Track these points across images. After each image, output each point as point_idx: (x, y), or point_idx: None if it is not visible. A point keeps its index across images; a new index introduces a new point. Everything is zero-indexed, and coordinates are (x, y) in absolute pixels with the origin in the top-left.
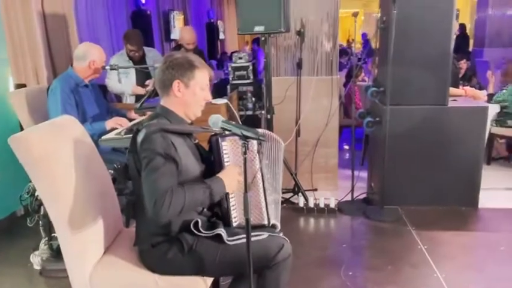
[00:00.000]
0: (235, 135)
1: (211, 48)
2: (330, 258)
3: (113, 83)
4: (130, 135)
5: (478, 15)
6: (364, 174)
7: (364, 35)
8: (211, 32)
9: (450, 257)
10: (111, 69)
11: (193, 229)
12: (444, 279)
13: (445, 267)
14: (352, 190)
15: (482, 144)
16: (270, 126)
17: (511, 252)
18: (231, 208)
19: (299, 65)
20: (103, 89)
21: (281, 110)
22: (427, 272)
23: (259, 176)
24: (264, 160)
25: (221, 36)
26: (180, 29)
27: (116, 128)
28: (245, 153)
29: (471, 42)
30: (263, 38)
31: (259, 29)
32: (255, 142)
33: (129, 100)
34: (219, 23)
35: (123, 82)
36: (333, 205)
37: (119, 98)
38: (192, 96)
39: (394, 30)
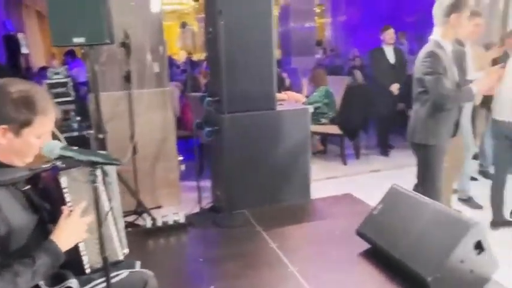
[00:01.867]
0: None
1: (12, 64)
2: (190, 276)
3: None
4: None
5: (281, 27)
6: (205, 183)
7: None
8: (10, 46)
9: (298, 249)
10: None
11: None
12: (298, 272)
13: (296, 260)
14: (200, 201)
15: (308, 141)
16: (102, 146)
17: (344, 235)
18: (82, 254)
19: (127, 78)
20: None
21: (113, 128)
22: (283, 269)
23: (107, 207)
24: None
25: (24, 50)
26: None
27: None
28: (94, 181)
29: (278, 52)
30: (83, 51)
31: (79, 40)
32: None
33: None
34: (20, 35)
35: None
36: (182, 220)
37: None
38: (22, 145)
39: (223, 40)
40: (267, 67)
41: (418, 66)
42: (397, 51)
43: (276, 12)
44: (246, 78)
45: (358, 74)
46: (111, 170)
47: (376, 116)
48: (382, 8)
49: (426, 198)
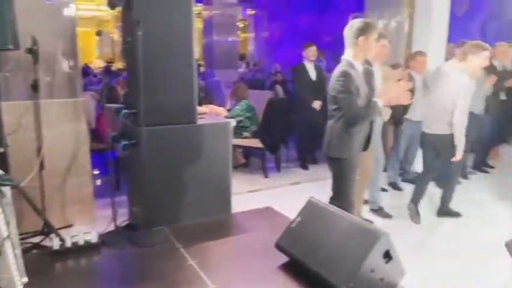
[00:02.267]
0: None
1: None
2: None
3: None
4: None
5: (204, 40)
6: (123, 199)
7: None
8: None
9: (218, 265)
10: None
11: None
12: None
13: (215, 277)
14: (115, 218)
15: (230, 155)
16: (3, 161)
17: (264, 248)
18: None
19: (34, 87)
20: None
21: (16, 141)
22: (202, 286)
23: (5, 233)
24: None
25: None
26: None
27: None
28: None
29: (201, 64)
30: None
31: None
32: None
33: None
34: None
35: None
36: (95, 239)
37: None
38: None
39: (141, 51)
40: (187, 79)
41: (333, 84)
42: (318, 68)
43: (199, 24)
44: (165, 90)
45: (280, 89)
46: (7, 190)
47: (297, 130)
48: (302, 26)
49: (340, 210)
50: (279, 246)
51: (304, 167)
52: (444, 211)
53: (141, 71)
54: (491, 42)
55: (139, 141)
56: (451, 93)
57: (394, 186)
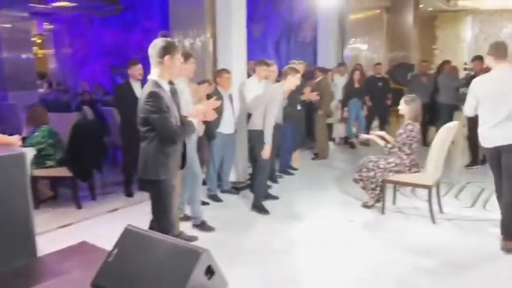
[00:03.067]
0: None
1: None
2: None
3: None
4: None
5: None
6: None
7: None
8: None
9: None
10: None
11: None
12: None
13: None
14: None
15: (27, 190)
16: None
17: None
18: None
19: None
20: None
21: None
22: None
23: None
24: None
25: None
26: None
27: None
28: None
29: None
30: None
31: None
32: None
33: None
34: None
35: None
36: None
37: None
38: None
39: None
40: None
41: (142, 106)
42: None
43: None
44: None
45: (88, 110)
46: None
47: (124, 153)
48: (108, 43)
49: (159, 234)
50: (96, 285)
51: (130, 194)
52: (256, 206)
53: None
54: (283, 60)
55: None
56: (265, 101)
57: (215, 198)
